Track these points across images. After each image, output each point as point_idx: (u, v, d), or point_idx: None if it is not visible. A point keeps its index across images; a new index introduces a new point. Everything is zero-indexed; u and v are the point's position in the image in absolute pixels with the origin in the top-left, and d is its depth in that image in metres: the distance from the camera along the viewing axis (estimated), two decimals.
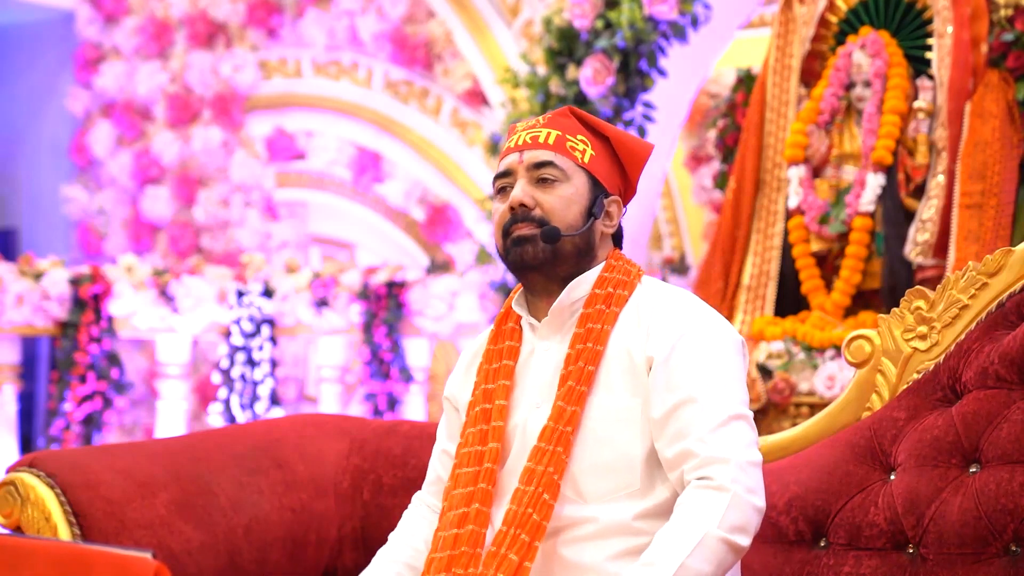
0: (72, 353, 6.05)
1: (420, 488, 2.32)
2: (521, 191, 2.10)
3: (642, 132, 5.29)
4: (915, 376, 2.35)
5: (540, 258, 2.08)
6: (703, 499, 1.92)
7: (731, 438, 1.96)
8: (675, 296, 2.10)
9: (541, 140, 2.12)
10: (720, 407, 1.98)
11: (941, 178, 4.21)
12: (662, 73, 5.27)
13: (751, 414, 2.03)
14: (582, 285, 2.11)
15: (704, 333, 2.04)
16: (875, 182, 4.31)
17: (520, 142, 2.14)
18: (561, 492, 2.00)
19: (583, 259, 2.11)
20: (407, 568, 2.19)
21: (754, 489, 1.95)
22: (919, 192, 4.31)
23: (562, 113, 2.18)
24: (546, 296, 2.13)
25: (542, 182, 2.10)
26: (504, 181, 2.14)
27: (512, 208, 2.10)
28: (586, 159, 2.12)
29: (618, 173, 2.18)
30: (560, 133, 2.13)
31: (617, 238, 2.19)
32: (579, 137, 2.14)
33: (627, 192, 2.21)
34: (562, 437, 2.00)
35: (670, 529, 1.91)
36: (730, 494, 1.91)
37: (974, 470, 2.16)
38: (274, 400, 6.31)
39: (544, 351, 2.12)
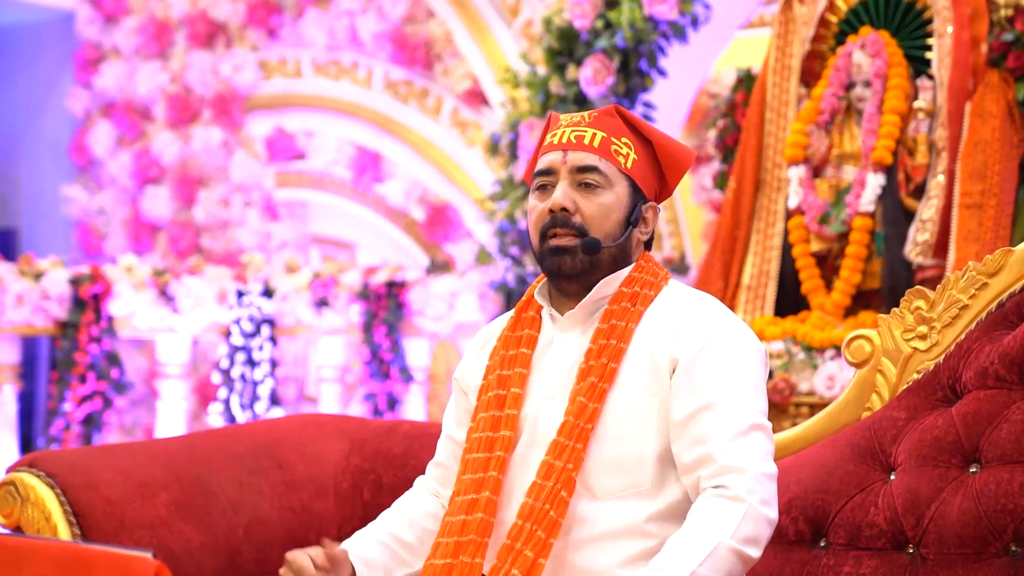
0: (72, 353, 6.05)
1: None
2: (562, 195, 2.06)
3: None
4: (915, 376, 2.35)
5: (578, 269, 2.07)
6: (718, 508, 1.91)
7: (750, 448, 1.96)
8: (702, 301, 2.10)
9: (586, 142, 2.08)
10: (741, 415, 1.97)
11: (941, 178, 4.21)
12: (662, 73, 5.27)
13: (770, 425, 2.02)
14: (611, 283, 2.10)
15: (730, 340, 2.03)
16: (875, 182, 4.31)
17: (564, 140, 2.10)
18: None
19: (618, 267, 2.11)
20: (390, 536, 2.19)
21: (768, 501, 1.94)
22: (919, 192, 4.31)
23: (608, 112, 2.13)
24: (574, 295, 2.12)
25: (584, 187, 2.07)
26: (545, 179, 2.11)
27: (552, 211, 2.07)
28: (629, 164, 2.09)
29: (657, 177, 2.15)
30: (605, 135, 2.09)
31: (648, 242, 2.17)
32: (623, 140, 2.10)
33: (662, 195, 2.18)
34: (582, 433, 1.99)
35: (682, 536, 1.91)
36: (746, 505, 1.91)
37: (974, 470, 2.16)
38: (274, 400, 6.31)
39: (563, 343, 2.10)
